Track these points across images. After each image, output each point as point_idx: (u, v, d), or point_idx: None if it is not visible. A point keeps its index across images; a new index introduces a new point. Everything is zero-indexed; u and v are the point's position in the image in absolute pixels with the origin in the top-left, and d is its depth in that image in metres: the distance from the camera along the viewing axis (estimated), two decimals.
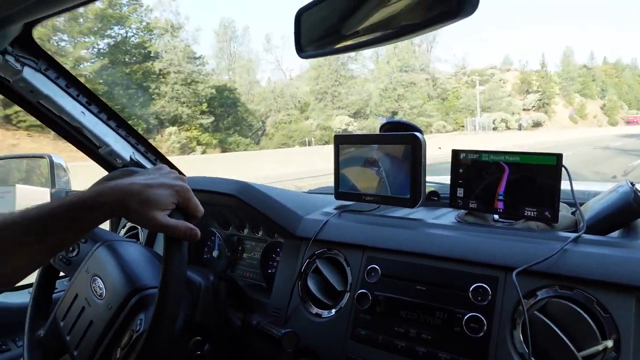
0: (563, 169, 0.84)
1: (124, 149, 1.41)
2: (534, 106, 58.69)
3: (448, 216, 1.05)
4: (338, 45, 0.74)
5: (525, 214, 0.88)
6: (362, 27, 0.72)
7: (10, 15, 0.91)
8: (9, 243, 0.67)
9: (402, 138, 1.00)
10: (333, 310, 0.94)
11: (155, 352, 0.68)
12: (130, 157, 1.43)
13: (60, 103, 1.23)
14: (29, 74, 1.14)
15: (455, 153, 0.98)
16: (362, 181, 1.09)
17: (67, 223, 0.68)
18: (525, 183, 0.88)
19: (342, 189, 1.13)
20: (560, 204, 0.88)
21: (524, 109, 57.66)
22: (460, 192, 0.98)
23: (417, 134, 0.98)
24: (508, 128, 51.92)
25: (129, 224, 1.47)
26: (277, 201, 1.09)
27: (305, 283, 0.99)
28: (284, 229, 1.06)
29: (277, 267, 1.10)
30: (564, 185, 0.86)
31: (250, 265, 1.27)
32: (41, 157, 1.70)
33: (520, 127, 52.70)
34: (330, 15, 0.75)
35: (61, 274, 1.10)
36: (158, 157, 1.55)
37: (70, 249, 1.06)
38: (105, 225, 1.55)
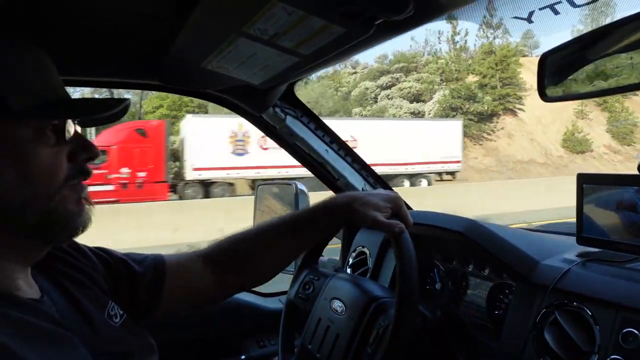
0: None
1: (357, 181, 1.58)
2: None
3: None
4: (584, 90, 0.69)
5: None
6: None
7: (282, 81, 1.15)
8: (273, 238, 0.92)
9: None
10: None
11: (405, 331, 0.81)
12: (362, 188, 1.59)
13: (310, 143, 1.47)
14: (290, 121, 1.41)
15: None
16: (612, 226, 0.96)
17: (312, 222, 0.92)
18: None
19: (586, 233, 1.02)
20: None
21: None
22: None
23: None
24: None
25: (358, 249, 1.62)
26: (509, 242, 1.05)
27: (541, 335, 0.92)
28: (517, 273, 1.01)
29: (508, 311, 1.05)
30: None
31: (474, 303, 1.24)
32: (289, 184, 2.04)
33: None
34: (576, 60, 0.71)
35: None
36: (384, 187, 1.68)
37: (307, 287, 1.18)
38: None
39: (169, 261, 0.87)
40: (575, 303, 0.90)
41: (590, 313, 0.86)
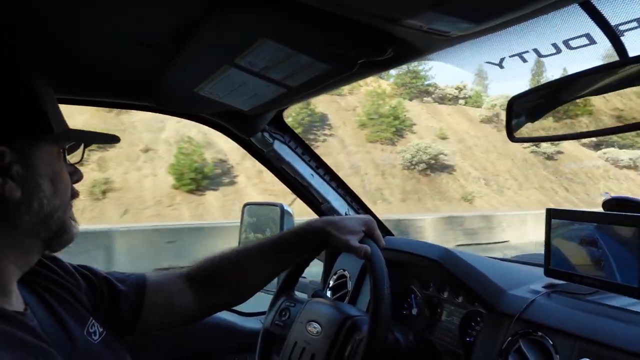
0: None
1: (341, 206, 1.62)
2: None
3: None
4: (550, 134, 0.75)
5: None
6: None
7: (269, 109, 1.20)
8: (252, 260, 0.97)
9: (631, 219, 0.91)
10: None
11: (379, 343, 0.86)
12: (345, 213, 1.63)
13: (296, 167, 1.51)
14: (277, 145, 1.45)
15: None
16: (577, 260, 1.01)
17: (290, 245, 0.98)
18: None
19: (553, 265, 1.07)
20: None
21: None
22: None
23: None
24: None
25: (339, 272, 1.66)
26: (480, 272, 1.10)
27: None
28: (486, 302, 1.06)
29: (477, 338, 1.09)
30: None
31: (448, 329, 1.28)
32: (275, 205, 2.07)
33: None
34: (543, 104, 0.77)
35: None
36: (366, 212, 1.72)
37: (283, 313, 1.20)
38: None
39: (149, 280, 0.90)
40: (538, 332, 0.94)
41: (551, 342, 0.91)
